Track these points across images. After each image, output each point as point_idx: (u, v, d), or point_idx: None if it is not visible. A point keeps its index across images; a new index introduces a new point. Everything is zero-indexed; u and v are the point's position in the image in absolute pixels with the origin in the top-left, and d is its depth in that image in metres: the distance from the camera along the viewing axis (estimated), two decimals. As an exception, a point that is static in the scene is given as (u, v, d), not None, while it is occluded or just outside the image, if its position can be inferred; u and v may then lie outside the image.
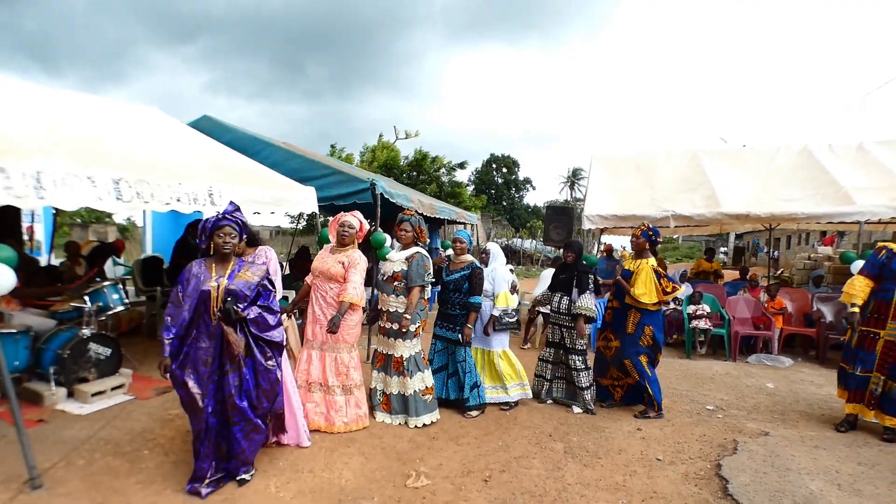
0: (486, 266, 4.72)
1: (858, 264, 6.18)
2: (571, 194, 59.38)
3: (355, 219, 4.09)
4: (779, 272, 13.22)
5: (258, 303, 3.11)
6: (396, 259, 4.26)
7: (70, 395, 4.51)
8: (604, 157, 9.26)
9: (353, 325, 4.01)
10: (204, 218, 3.14)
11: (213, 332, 2.99)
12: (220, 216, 3.09)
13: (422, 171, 21.99)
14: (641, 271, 4.51)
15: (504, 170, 52.98)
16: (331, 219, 4.34)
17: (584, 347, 4.74)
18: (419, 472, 3.41)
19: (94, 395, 4.48)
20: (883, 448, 3.97)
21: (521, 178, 54.48)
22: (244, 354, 3.03)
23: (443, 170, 23.52)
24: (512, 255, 26.96)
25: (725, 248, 28.76)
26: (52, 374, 4.43)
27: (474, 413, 4.47)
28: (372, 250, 5.73)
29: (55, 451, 3.51)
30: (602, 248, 10.06)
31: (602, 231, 8.25)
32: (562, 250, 4.95)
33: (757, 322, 7.37)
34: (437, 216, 9.37)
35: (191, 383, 2.94)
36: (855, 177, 7.04)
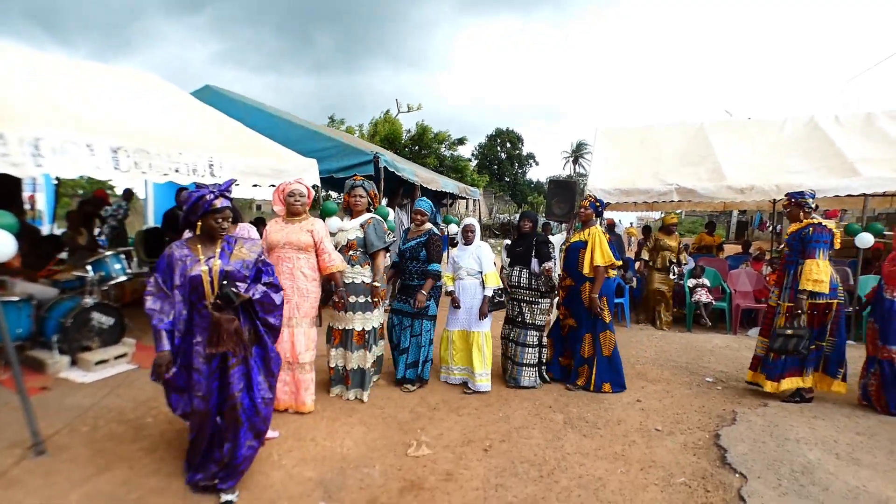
0: (470, 244, 4.52)
1: (864, 237, 6.15)
2: (575, 169, 59.01)
3: (303, 186, 3.86)
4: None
5: (262, 280, 2.77)
6: (349, 227, 4.09)
7: (73, 363, 4.56)
8: (608, 129, 9.13)
9: (317, 298, 3.88)
10: (192, 192, 2.69)
11: (195, 331, 2.64)
12: (214, 195, 2.63)
13: (423, 146, 21.83)
14: (595, 237, 4.45)
15: (508, 145, 52.56)
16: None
17: (543, 323, 4.61)
18: (420, 441, 3.44)
19: (97, 363, 4.52)
20: (882, 418, 3.99)
21: (524, 153, 54.08)
22: (251, 341, 2.72)
23: (444, 144, 23.34)
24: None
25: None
26: (55, 342, 4.46)
27: (412, 387, 4.38)
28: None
29: (59, 418, 3.55)
30: (605, 222, 10.01)
31: (605, 205, 8.19)
32: (518, 219, 4.79)
33: (758, 295, 7.35)
34: (441, 191, 9.32)
35: (197, 391, 2.61)
36: (861, 148, 6.90)
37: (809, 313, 4.19)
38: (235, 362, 2.65)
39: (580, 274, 4.51)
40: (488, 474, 3.07)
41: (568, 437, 3.59)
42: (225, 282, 2.60)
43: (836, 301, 4.16)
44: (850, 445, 3.51)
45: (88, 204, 7.86)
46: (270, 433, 3.31)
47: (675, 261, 7.40)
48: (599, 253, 4.41)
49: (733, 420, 3.92)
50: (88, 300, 4.70)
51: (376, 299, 4.11)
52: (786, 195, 4.54)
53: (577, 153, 59.73)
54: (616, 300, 7.38)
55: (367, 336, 4.10)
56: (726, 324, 7.14)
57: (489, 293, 4.37)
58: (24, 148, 3.11)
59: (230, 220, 2.72)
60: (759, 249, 8.98)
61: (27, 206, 8.43)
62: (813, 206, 4.36)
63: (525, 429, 3.71)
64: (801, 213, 4.35)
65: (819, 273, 4.04)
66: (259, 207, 39.03)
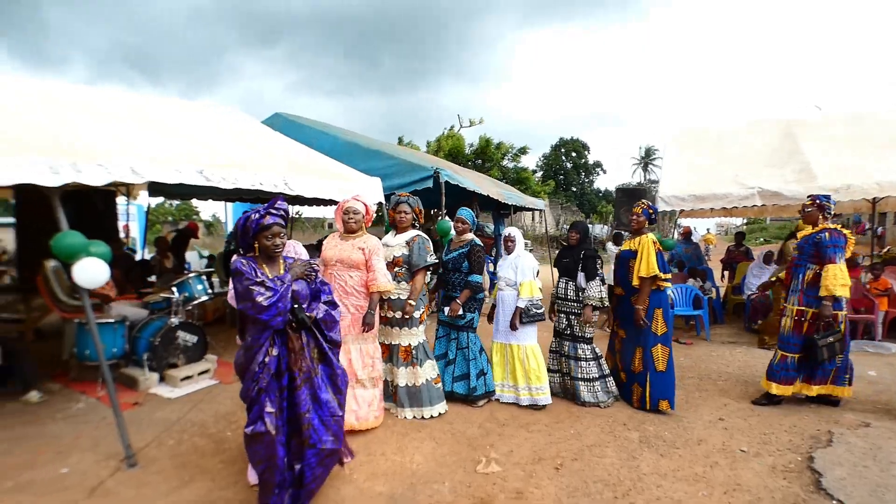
0: (510, 254, 4.42)
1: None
2: (645, 176, 57.13)
3: (359, 203, 3.85)
4: (884, 250, 11.98)
5: (321, 299, 2.79)
6: (395, 244, 4.07)
7: (161, 379, 4.86)
8: (681, 131, 8.75)
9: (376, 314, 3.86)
10: (246, 213, 2.71)
11: (276, 341, 2.62)
12: (260, 214, 2.62)
13: (486, 158, 21.92)
14: (644, 247, 4.23)
15: (573, 154, 51.75)
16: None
17: (592, 336, 4.41)
18: (490, 458, 3.39)
19: (182, 379, 4.80)
20: None
21: (590, 161, 53.06)
22: (317, 360, 2.72)
23: (507, 155, 23.34)
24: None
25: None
26: (145, 360, 4.78)
27: (481, 402, 4.30)
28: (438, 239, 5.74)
29: (148, 431, 3.79)
30: (681, 230, 9.55)
31: (680, 213, 7.79)
32: (567, 230, 4.60)
33: (858, 305, 6.74)
34: (504, 202, 9.26)
35: (268, 407, 2.55)
36: None
37: (810, 323, 4.18)
38: (300, 383, 2.62)
39: (630, 284, 4.34)
40: (560, 494, 2.97)
41: (644, 457, 3.42)
42: (296, 305, 2.61)
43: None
44: (973, 472, 3.12)
45: (182, 234, 8.53)
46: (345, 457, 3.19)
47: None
48: (644, 264, 4.21)
49: (829, 441, 3.60)
50: (174, 320, 5.01)
51: (419, 315, 4.07)
52: (809, 196, 4.36)
53: (647, 159, 57.89)
54: (695, 312, 7.02)
55: (414, 352, 4.05)
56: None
57: (521, 304, 4.23)
58: (122, 171, 3.41)
59: (283, 236, 2.71)
60: (855, 254, 8.18)
61: (122, 235, 9.20)
62: (832, 212, 4.22)
63: (598, 447, 3.57)
64: (821, 217, 4.20)
65: (844, 278, 3.97)
66: (331, 226, 40.50)
